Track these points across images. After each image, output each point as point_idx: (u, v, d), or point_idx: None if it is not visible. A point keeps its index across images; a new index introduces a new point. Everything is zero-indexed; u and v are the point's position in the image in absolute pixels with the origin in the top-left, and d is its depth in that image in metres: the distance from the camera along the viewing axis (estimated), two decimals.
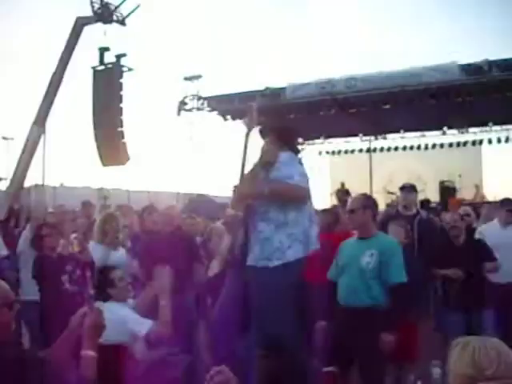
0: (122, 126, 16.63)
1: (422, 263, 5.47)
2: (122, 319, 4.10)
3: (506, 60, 15.13)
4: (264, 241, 3.66)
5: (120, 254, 5.61)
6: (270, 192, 3.70)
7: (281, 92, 17.70)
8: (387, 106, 17.42)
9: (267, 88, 17.76)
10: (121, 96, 16.69)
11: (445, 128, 22.34)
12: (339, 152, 24.11)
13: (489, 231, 6.34)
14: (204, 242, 5.83)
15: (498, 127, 21.53)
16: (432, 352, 5.54)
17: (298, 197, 3.87)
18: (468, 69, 15.42)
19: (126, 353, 3.82)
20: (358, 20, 54.15)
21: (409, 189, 6.51)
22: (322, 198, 20.08)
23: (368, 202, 4.57)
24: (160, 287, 4.24)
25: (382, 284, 4.31)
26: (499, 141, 21.33)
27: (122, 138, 16.60)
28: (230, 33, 60.72)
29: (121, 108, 16.67)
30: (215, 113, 19.48)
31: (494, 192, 17.99)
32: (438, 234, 6.38)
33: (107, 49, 16.49)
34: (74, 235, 5.17)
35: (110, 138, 16.27)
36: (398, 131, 22.94)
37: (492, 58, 15.17)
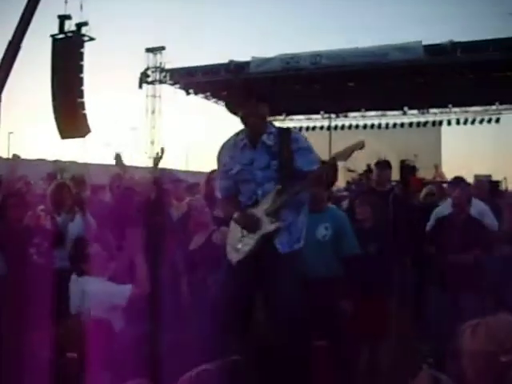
0: (82, 97, 16.14)
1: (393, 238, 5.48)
2: (99, 293, 3.96)
3: (469, 42, 15.26)
4: (290, 226, 3.53)
5: (77, 223, 5.39)
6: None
7: (245, 66, 17.46)
8: (351, 84, 17.44)
9: (231, 62, 17.50)
10: (81, 66, 16.18)
11: (405, 108, 22.63)
12: (300, 129, 24.11)
13: (441, 209, 6.38)
14: (182, 218, 5.65)
15: (457, 109, 21.91)
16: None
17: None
18: (432, 49, 15.49)
19: (106, 327, 3.67)
20: None
21: (383, 165, 6.48)
22: None
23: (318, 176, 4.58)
24: (133, 247, 4.14)
25: (337, 256, 4.47)
26: (458, 122, 21.74)
27: (83, 109, 16.12)
28: (194, 5, 59.79)
29: (81, 78, 16.18)
30: (177, 86, 19.13)
31: (452, 172, 18.34)
32: (413, 210, 6.47)
33: (68, 17, 15.93)
34: (41, 207, 4.93)
35: (69, 109, 15.74)
36: (359, 110, 23.10)
37: (456, 39, 15.26)
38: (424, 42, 15.45)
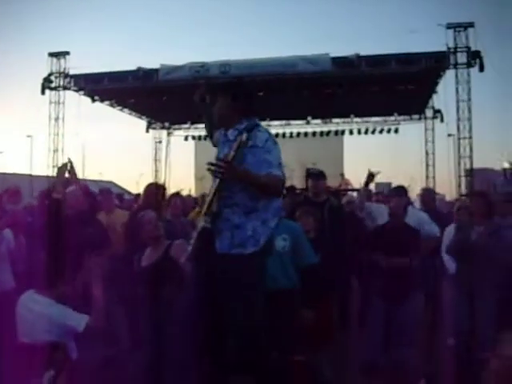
0: None
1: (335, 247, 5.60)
2: (56, 314, 3.72)
3: (374, 56, 15.93)
4: (234, 228, 3.43)
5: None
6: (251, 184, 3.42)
7: (154, 73, 17.16)
8: (260, 94, 17.61)
9: (139, 68, 17.15)
10: None
11: (309, 117, 23.21)
12: (206, 137, 24.02)
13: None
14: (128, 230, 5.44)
15: (359, 119, 22.76)
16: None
17: (276, 191, 3.58)
18: (339, 61, 15.99)
19: (62, 352, 3.45)
20: (236, 6, 54.48)
21: (317, 175, 6.54)
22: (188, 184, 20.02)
23: None
24: (93, 275, 3.93)
25: (295, 266, 4.55)
26: (359, 132, 22.59)
27: None
28: (101, 7, 58.12)
29: None
30: (82, 92, 18.46)
31: (354, 179, 19.04)
32: (349, 219, 6.61)
33: None
34: None
35: None
36: (264, 119, 23.39)
37: (362, 53, 15.86)
38: (331, 55, 15.89)
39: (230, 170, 3.32)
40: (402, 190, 5.99)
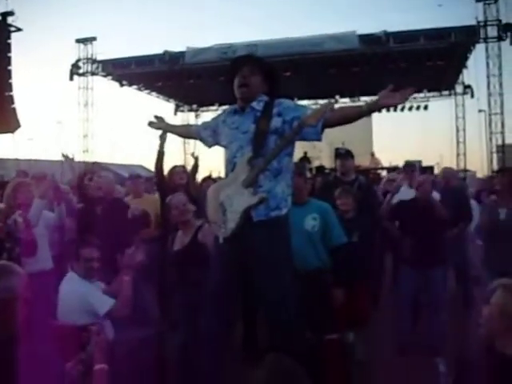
0: (11, 91, 15.51)
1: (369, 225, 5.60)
2: (86, 295, 3.83)
3: (402, 32, 15.69)
4: (267, 193, 3.42)
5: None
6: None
7: (180, 56, 17.21)
8: (287, 74, 17.53)
9: (166, 52, 17.20)
10: (9, 58, 15.53)
11: (337, 96, 23.00)
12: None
13: (399, 195, 6.62)
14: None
15: None
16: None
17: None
18: (366, 39, 15.81)
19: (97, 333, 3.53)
20: None
21: (345, 155, 6.52)
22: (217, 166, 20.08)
23: (299, 168, 4.60)
24: (123, 264, 4.03)
25: (325, 246, 4.51)
26: (388, 110, 22.29)
27: (12, 103, 15.49)
28: None
29: (9, 71, 15.54)
30: (110, 77, 18.62)
31: (384, 158, 18.94)
32: (378, 198, 6.61)
33: None
34: (19, 211, 4.65)
35: None
36: (292, 98, 23.23)
37: (389, 29, 15.64)
38: (358, 32, 15.72)
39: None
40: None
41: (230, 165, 3.51)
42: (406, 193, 6.67)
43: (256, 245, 3.35)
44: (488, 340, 2.22)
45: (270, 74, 3.62)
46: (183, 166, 6.20)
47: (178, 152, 25.58)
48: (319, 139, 3.31)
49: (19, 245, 4.48)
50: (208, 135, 3.76)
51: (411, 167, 7.56)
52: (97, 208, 5.29)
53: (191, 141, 25.22)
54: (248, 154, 3.36)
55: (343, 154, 6.57)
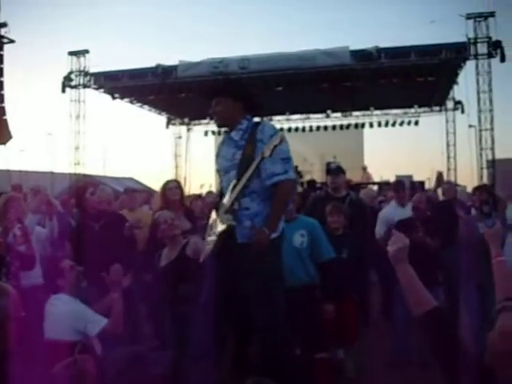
0: (2, 102, 15.52)
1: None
2: (77, 314, 3.81)
3: (393, 48, 15.80)
4: (254, 216, 3.49)
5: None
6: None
7: (173, 70, 17.24)
8: (279, 88, 17.60)
9: (158, 65, 17.23)
10: (1, 69, 15.56)
11: (329, 111, 23.14)
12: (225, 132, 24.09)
13: (388, 212, 6.82)
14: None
15: (378, 111, 22.65)
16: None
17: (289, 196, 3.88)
18: (358, 54, 15.90)
19: (86, 350, 3.53)
20: (253, 1, 54.28)
21: (336, 171, 6.54)
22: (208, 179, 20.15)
23: None
24: (112, 282, 4.03)
25: (314, 262, 4.59)
26: (379, 125, 22.46)
27: (3, 114, 15.49)
28: (119, 6, 58.28)
29: (1, 82, 15.57)
30: (102, 90, 18.62)
31: (375, 173, 19.01)
32: (369, 214, 6.63)
33: None
34: (18, 225, 4.64)
35: None
36: (283, 113, 23.36)
37: (381, 45, 15.75)
38: (351, 48, 15.81)
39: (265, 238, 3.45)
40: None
41: (222, 190, 3.76)
42: (395, 210, 6.75)
43: (239, 266, 3.43)
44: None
45: (236, 93, 3.71)
46: (176, 181, 6.16)
47: (170, 166, 25.63)
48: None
49: (18, 258, 4.47)
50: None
51: (400, 185, 7.61)
52: (95, 224, 5.25)
53: (182, 154, 25.30)
54: (233, 181, 3.49)
55: (334, 170, 6.59)
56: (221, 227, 3.51)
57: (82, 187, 5.72)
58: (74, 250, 4.99)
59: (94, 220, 5.20)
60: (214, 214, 3.70)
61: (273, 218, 3.49)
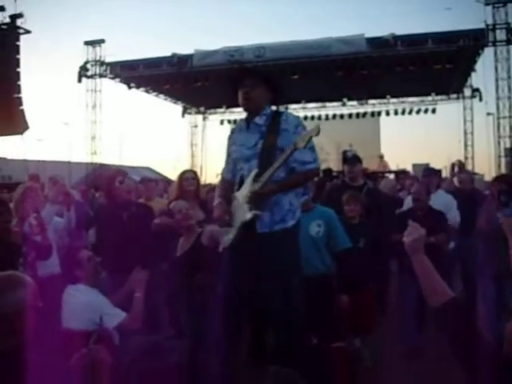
0: (19, 92, 15.62)
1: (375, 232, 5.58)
2: (95, 305, 3.82)
3: (410, 35, 15.66)
4: (273, 205, 3.49)
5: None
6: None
7: (188, 59, 17.24)
8: (295, 77, 17.52)
9: (174, 54, 17.25)
10: (18, 60, 15.63)
11: (345, 99, 23.02)
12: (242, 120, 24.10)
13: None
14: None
15: (395, 99, 22.48)
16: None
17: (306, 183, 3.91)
18: (374, 42, 15.79)
19: (102, 340, 3.54)
20: None
21: (353, 160, 6.50)
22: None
23: None
24: (137, 282, 4.05)
25: (330, 251, 4.56)
26: (396, 113, 22.30)
27: (20, 104, 15.59)
28: None
29: (18, 72, 15.64)
30: (118, 80, 18.69)
31: (392, 161, 18.91)
32: (386, 203, 6.58)
33: (1, 8, 15.30)
34: (34, 215, 4.66)
35: (6, 105, 15.20)
36: (299, 102, 23.28)
37: (398, 32, 15.63)
38: (366, 35, 15.70)
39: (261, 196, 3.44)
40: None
41: (238, 178, 3.65)
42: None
43: (259, 256, 3.42)
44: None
45: (272, 84, 3.70)
46: (193, 171, 6.13)
47: (186, 155, 25.69)
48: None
49: (34, 248, 4.50)
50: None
51: (431, 171, 7.50)
52: (123, 213, 5.23)
53: (198, 143, 25.35)
54: (255, 169, 3.46)
55: (351, 159, 6.55)
56: (243, 217, 3.47)
57: (111, 176, 5.64)
58: (97, 238, 5.03)
59: (123, 209, 5.16)
60: (234, 202, 3.63)
61: (280, 185, 3.49)
